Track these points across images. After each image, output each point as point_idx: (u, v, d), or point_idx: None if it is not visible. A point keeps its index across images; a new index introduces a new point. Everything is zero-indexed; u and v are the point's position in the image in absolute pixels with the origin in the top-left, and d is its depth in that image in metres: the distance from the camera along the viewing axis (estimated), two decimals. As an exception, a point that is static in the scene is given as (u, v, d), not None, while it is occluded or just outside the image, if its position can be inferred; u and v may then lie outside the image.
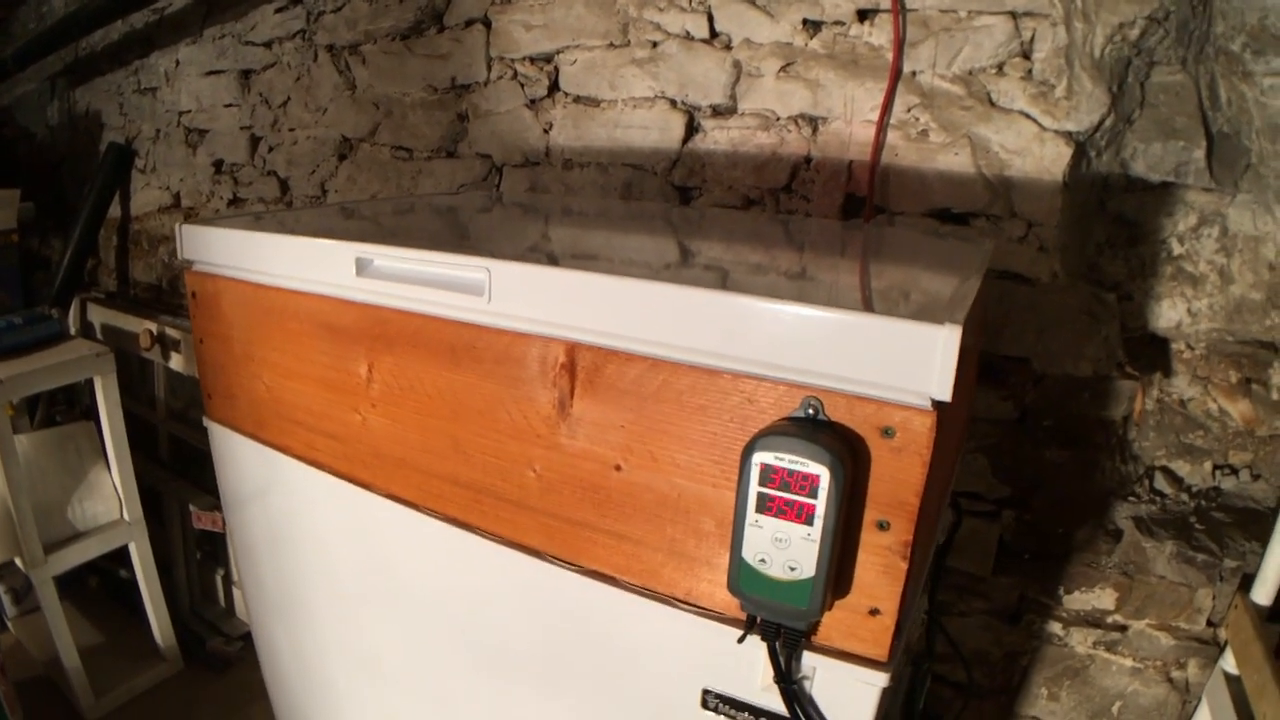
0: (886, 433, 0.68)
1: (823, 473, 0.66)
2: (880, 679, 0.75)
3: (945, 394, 0.65)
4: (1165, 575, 1.57)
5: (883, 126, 1.54)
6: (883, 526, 0.71)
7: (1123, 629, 1.64)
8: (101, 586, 2.74)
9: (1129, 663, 1.66)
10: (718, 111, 1.73)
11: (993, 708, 1.79)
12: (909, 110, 1.53)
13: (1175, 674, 1.63)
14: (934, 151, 1.53)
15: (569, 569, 0.90)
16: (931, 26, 1.49)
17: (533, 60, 1.96)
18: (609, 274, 0.81)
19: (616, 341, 0.80)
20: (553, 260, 0.97)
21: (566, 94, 1.92)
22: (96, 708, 2.24)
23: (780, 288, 0.90)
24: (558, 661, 0.97)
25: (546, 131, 1.96)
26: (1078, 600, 1.65)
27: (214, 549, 2.60)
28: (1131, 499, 1.60)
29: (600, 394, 0.82)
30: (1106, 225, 1.53)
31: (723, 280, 0.91)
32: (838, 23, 1.57)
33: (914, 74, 1.52)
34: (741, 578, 0.73)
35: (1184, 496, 1.59)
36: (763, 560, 0.71)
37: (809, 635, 0.76)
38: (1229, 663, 1.36)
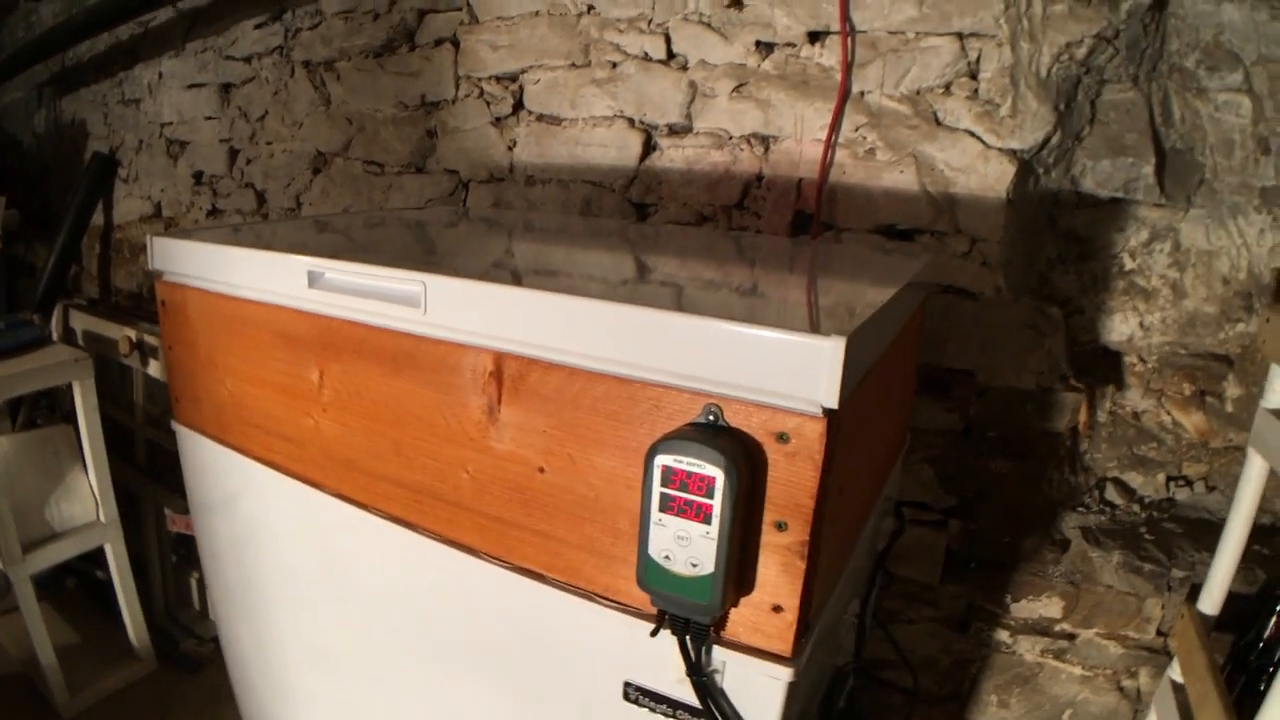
0: (781, 438, 0.73)
1: (718, 475, 0.71)
2: (785, 673, 0.79)
3: (833, 402, 0.70)
4: (1112, 585, 1.60)
5: (831, 145, 1.59)
6: (781, 527, 0.75)
7: (1071, 637, 1.67)
8: (79, 588, 2.77)
9: (1078, 671, 1.68)
10: (674, 130, 1.78)
11: (943, 715, 1.82)
12: (857, 129, 1.58)
13: (1126, 683, 1.65)
14: (880, 169, 1.57)
15: (501, 566, 0.94)
16: (880, 48, 1.53)
17: (498, 79, 2.00)
18: (531, 288, 0.86)
19: (539, 351, 0.85)
20: (493, 275, 1.01)
21: (530, 112, 1.97)
22: (71, 705, 2.27)
23: (689, 301, 0.95)
24: (492, 654, 1.02)
25: (511, 149, 2.01)
26: (1025, 609, 1.68)
27: (188, 553, 2.63)
28: (1080, 509, 1.63)
29: (525, 401, 0.87)
30: (1058, 241, 1.57)
31: (643, 295, 0.97)
32: (789, 44, 1.62)
33: (862, 94, 1.57)
34: (649, 574, 0.78)
35: (1135, 507, 1.62)
36: (667, 557, 0.76)
37: (715, 629, 0.80)
38: (1176, 672, 1.38)
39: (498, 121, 2.02)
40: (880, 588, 1.52)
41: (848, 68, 1.55)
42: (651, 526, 0.76)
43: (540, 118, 1.95)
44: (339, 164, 2.47)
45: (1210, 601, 1.40)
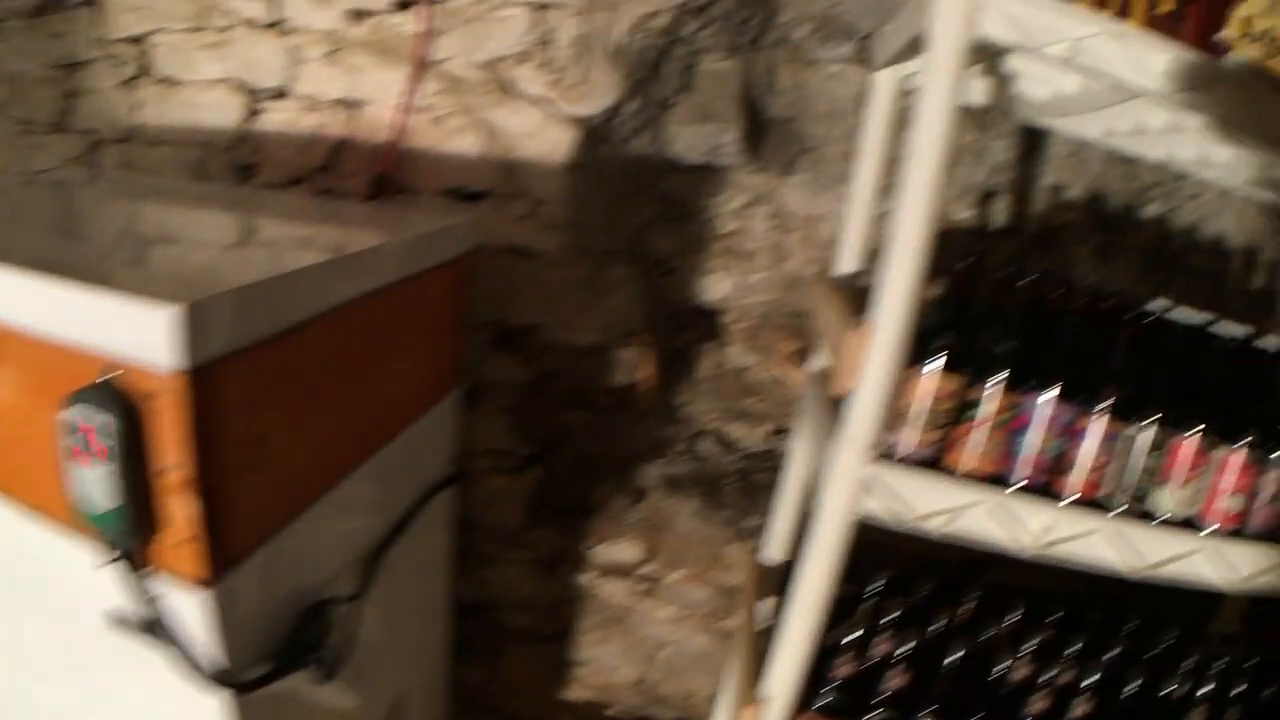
0: (154, 395, 0.90)
1: (106, 424, 0.88)
2: (205, 595, 0.98)
3: (184, 362, 0.87)
4: (689, 531, 1.81)
5: (408, 110, 1.75)
6: (169, 470, 0.92)
7: (655, 580, 1.88)
8: None
9: (668, 612, 1.90)
10: (275, 94, 1.89)
11: (548, 653, 2.03)
12: (433, 95, 1.74)
13: (721, 624, 1.88)
14: (449, 135, 1.74)
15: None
16: (461, 17, 1.69)
17: (129, 41, 2.05)
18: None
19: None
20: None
21: (154, 75, 2.03)
22: None
23: (117, 272, 1.10)
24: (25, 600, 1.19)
25: (137, 110, 2.07)
26: (604, 552, 1.89)
27: None
28: (666, 459, 1.83)
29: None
30: (655, 204, 1.73)
31: (93, 266, 1.13)
32: (379, 12, 1.75)
33: (442, 61, 1.72)
34: (82, 512, 0.94)
35: (731, 458, 1.82)
36: (88, 496, 0.92)
37: (143, 558, 0.98)
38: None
39: (127, 83, 2.08)
40: (460, 531, 1.72)
41: (428, 35, 1.71)
42: (73, 470, 0.92)
43: (162, 80, 2.02)
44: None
45: (773, 547, 1.62)
